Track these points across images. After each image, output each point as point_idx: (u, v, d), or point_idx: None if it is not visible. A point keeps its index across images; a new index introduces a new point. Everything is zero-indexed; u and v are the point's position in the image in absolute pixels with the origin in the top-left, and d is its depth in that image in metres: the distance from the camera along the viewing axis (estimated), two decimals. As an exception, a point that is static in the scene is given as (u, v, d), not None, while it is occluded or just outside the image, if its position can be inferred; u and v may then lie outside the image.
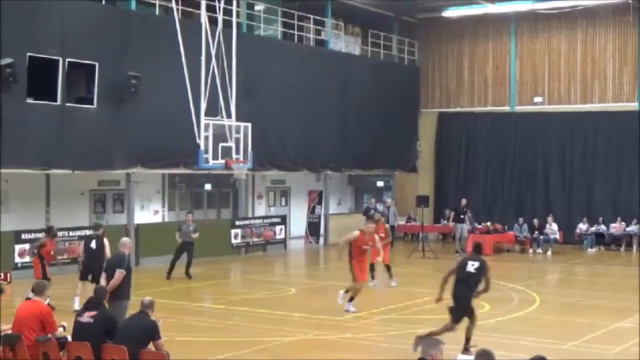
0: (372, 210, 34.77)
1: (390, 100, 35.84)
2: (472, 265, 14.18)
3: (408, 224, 36.85)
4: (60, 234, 23.58)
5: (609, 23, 35.04)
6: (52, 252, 19.61)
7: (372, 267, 22.55)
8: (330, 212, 35.52)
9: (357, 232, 18.55)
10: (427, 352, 8.51)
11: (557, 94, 36.13)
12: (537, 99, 36.46)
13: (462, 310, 13.97)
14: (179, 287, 22.38)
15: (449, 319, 13.95)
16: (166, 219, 30.28)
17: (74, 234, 24.63)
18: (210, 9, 24.96)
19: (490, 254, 30.86)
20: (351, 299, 18.22)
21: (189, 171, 27.72)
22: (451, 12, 36.46)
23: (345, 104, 33.97)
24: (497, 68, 37.50)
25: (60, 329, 11.51)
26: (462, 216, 31.71)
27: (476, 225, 33.07)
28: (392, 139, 36.01)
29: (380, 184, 38.75)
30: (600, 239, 33.43)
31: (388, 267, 22.71)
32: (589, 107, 35.28)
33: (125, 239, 15.16)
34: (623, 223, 33.21)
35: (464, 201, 32.42)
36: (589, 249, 32.77)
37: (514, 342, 15.13)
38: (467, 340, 14.02)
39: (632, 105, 34.47)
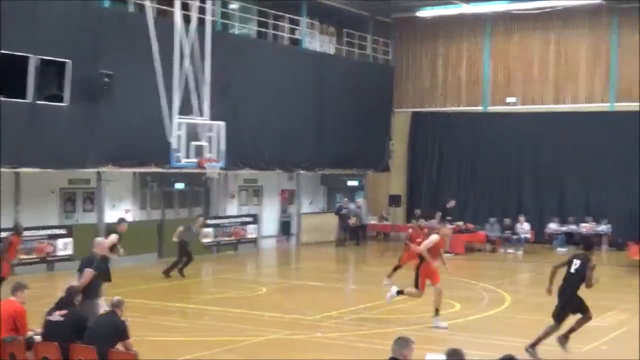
0: (344, 210, 34.94)
1: (364, 99, 35.87)
2: (575, 265, 14.26)
3: (380, 223, 36.95)
4: (29, 233, 23.42)
5: (583, 24, 35.24)
6: (17, 249, 19.79)
7: (397, 268, 22.54)
8: (302, 211, 35.53)
9: (436, 237, 17.40)
10: (400, 352, 8.52)
11: (531, 94, 36.31)
12: (511, 100, 36.63)
13: (575, 308, 14.15)
14: (149, 286, 22.25)
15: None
16: (137, 218, 30.07)
17: (43, 232, 24.42)
18: (185, 6, 24.85)
19: (463, 253, 31.05)
20: (437, 312, 16.87)
21: (161, 170, 27.58)
22: (426, 12, 36.53)
23: (319, 104, 33.96)
24: (471, 68, 37.64)
25: (30, 333, 11.41)
26: (448, 217, 31.70)
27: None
28: (365, 138, 36.05)
29: (352, 183, 38.76)
30: (570, 239, 33.64)
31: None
32: (561, 108, 35.49)
33: (99, 239, 15.05)
34: (593, 223, 33.46)
35: (452, 203, 32.43)
36: (559, 249, 32.94)
37: (484, 341, 15.18)
38: (571, 330, 14.22)
39: (604, 106, 34.73)
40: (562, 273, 14.43)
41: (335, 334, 16.10)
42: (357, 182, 38.84)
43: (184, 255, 24.04)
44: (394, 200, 37.38)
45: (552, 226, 33.96)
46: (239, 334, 15.86)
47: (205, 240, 28.07)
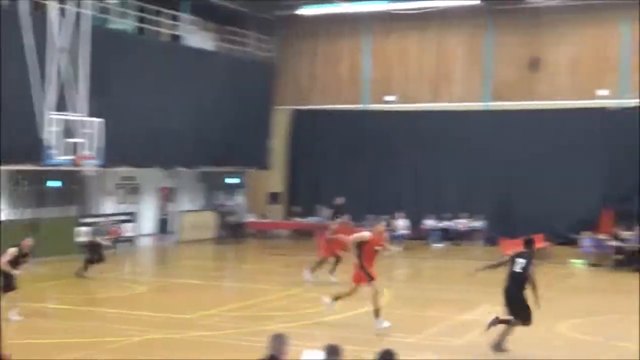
0: (224, 207, 34.84)
1: (244, 97, 35.74)
2: (519, 263, 14.36)
3: (260, 221, 36.95)
4: None
5: (460, 25, 36.10)
6: None
7: (321, 262, 22.61)
8: (181, 209, 35.19)
9: (367, 233, 16.70)
10: (279, 350, 8.55)
11: (409, 92, 36.95)
12: (389, 98, 37.18)
13: (517, 310, 14.24)
14: (26, 288, 21.56)
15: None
16: (10, 218, 29.13)
17: None
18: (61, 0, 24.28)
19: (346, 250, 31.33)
20: (336, 299, 16.80)
21: (35, 167, 26.81)
22: (306, 10, 36.74)
23: (199, 101, 33.58)
24: (351, 66, 38.03)
25: None
26: (338, 214, 31.95)
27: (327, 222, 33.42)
28: (245, 136, 35.93)
29: (232, 181, 38.64)
30: (447, 234, 34.42)
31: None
32: (438, 106, 36.25)
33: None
34: (469, 219, 34.33)
35: (340, 200, 32.60)
36: (436, 244, 33.66)
37: (362, 336, 15.35)
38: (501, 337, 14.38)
39: (479, 106, 35.66)
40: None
41: (215, 332, 16.01)
42: (237, 179, 38.72)
43: (93, 254, 23.55)
44: (273, 197, 37.46)
45: (429, 222, 34.68)
46: (117, 334, 15.57)
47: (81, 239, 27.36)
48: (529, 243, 14.89)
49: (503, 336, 14.37)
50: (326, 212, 33.49)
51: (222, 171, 37.24)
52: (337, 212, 32.09)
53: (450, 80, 36.49)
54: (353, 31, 37.80)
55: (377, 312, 16.06)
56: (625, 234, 27.98)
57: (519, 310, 14.27)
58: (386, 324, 15.93)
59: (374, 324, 15.94)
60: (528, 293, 14.24)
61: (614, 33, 34.09)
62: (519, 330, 14.54)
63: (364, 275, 16.28)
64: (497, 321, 14.52)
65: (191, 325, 16.54)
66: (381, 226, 17.78)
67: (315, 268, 22.94)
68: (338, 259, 22.80)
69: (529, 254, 14.55)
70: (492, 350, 14.30)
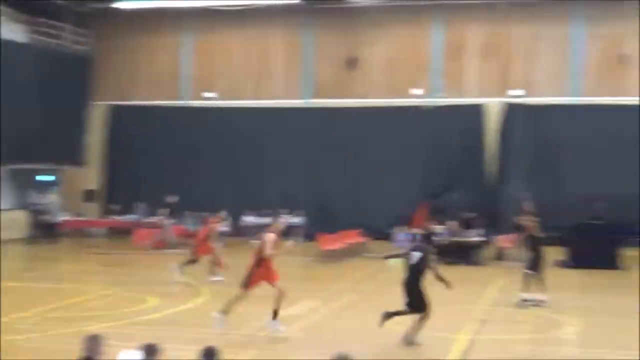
0: (36, 206, 33.62)
1: (58, 91, 34.62)
2: (415, 257, 14.64)
3: (75, 219, 35.85)
4: None
5: (281, 23, 36.43)
6: None
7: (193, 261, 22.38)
8: (-12, 208, 33.72)
9: (272, 235, 16.21)
10: (95, 351, 8.38)
11: (230, 89, 36.95)
12: (210, 94, 37.04)
13: (413, 299, 14.52)
14: None
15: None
16: None
17: None
18: None
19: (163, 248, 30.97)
20: (276, 314, 15.69)
21: None
22: (124, 4, 35.97)
23: (10, 94, 32.21)
24: (171, 63, 37.61)
25: None
26: (173, 213, 31.50)
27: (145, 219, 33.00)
28: (59, 131, 34.76)
29: (45, 178, 37.25)
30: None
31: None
32: (259, 104, 36.46)
33: None
34: (289, 215, 34.63)
35: (173, 198, 32.15)
36: (254, 241, 33.72)
37: (182, 335, 15.22)
38: (411, 333, 14.55)
39: (298, 103, 36.11)
40: None
41: (30, 335, 15.41)
42: (51, 176, 37.38)
43: None
44: (88, 195, 36.53)
45: (248, 219, 34.75)
46: None
47: None
48: (425, 235, 15.61)
49: (414, 330, 14.70)
50: (162, 210, 32.86)
51: (36, 168, 35.87)
52: (172, 210, 31.77)
53: (270, 77, 36.75)
54: (174, 27, 37.41)
55: (275, 314, 15.74)
56: (437, 228, 29.01)
57: (415, 300, 14.68)
58: (282, 327, 15.67)
59: (271, 324, 15.69)
60: (426, 284, 14.78)
61: (427, 34, 35.39)
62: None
63: (249, 281, 15.97)
64: (390, 315, 14.89)
65: (4, 329, 15.80)
66: (281, 223, 17.87)
67: (212, 269, 22.54)
68: (196, 261, 22.52)
69: (424, 248, 15.16)
70: (404, 343, 14.58)
